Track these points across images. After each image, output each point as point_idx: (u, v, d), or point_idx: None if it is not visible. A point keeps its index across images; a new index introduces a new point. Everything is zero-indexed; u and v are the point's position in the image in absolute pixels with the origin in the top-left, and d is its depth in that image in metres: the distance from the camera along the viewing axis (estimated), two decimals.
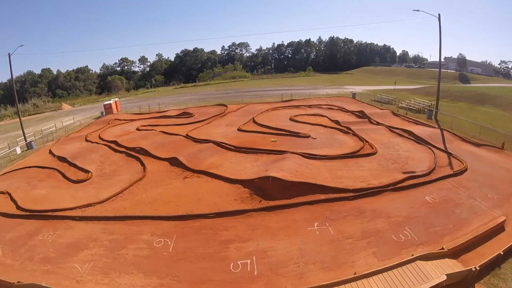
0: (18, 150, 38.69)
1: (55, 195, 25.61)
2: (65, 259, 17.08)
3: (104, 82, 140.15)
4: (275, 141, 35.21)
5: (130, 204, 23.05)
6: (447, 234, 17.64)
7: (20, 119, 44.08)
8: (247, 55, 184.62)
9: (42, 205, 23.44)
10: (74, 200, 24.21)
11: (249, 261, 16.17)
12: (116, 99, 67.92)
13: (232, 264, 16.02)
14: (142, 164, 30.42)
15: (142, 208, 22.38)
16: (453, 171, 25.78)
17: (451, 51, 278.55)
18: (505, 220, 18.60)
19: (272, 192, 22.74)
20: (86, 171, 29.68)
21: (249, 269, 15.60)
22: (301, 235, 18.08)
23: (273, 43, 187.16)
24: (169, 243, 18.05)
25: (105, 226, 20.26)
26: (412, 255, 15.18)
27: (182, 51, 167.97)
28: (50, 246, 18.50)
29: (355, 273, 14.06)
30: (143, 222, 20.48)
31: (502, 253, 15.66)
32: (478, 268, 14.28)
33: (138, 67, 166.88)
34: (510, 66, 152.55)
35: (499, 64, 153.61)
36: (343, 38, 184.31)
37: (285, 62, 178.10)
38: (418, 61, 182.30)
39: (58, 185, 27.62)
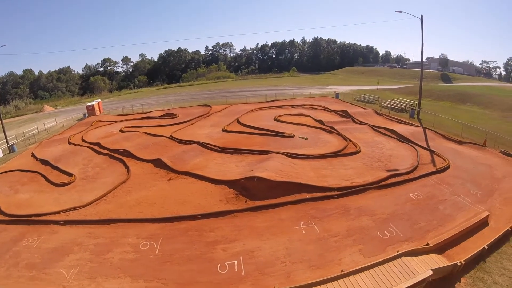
0: (0, 154, 37.77)
1: (38, 199, 25.02)
2: (50, 265, 16.67)
3: (87, 83, 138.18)
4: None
5: (115, 207, 22.67)
6: (432, 230, 17.90)
7: (1, 122, 42.91)
8: (231, 55, 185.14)
9: (25, 210, 22.87)
10: (58, 204, 23.66)
11: (236, 261, 16.06)
12: (99, 100, 66.85)
13: (219, 265, 15.89)
14: (126, 166, 30.01)
15: (127, 211, 22.03)
16: (436, 168, 26.18)
17: (433, 51, 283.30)
18: (488, 215, 19.02)
19: (258, 192, 22.68)
20: (69, 174, 29.11)
21: (236, 270, 15.49)
22: (287, 234, 18.06)
23: (257, 44, 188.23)
24: (155, 246, 17.79)
25: (90, 230, 19.85)
26: (398, 251, 15.33)
27: (165, 51, 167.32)
28: (35, 251, 18.02)
29: (342, 271, 14.12)
30: (128, 225, 20.15)
31: (486, 247, 15.99)
32: (463, 263, 14.53)
33: (121, 67, 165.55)
34: (491, 66, 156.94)
35: (480, 64, 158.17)
36: (327, 38, 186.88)
37: (269, 63, 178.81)
38: (400, 61, 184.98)
39: (41, 189, 27.00)
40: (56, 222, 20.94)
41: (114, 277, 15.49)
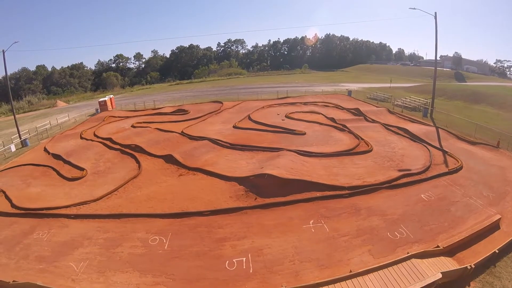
0: (13, 148, 38.29)
1: (49, 193, 25.35)
2: (60, 258, 16.89)
3: (99, 79, 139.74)
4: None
5: (125, 202, 22.88)
6: (442, 232, 17.67)
7: (14, 117, 43.49)
8: (243, 52, 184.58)
9: (37, 203, 23.17)
10: (69, 198, 23.95)
11: (244, 259, 16.08)
12: (111, 96, 67.31)
13: (227, 262, 15.93)
14: (137, 161, 30.22)
15: (137, 206, 22.21)
16: (448, 169, 25.83)
17: (447, 50, 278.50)
18: (500, 218, 18.67)
19: (268, 190, 22.67)
20: (81, 169, 29.43)
21: (244, 267, 15.52)
22: (296, 233, 18.03)
23: (269, 40, 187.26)
24: (164, 241, 17.92)
25: (100, 224, 20.06)
26: (408, 253, 15.17)
27: (177, 48, 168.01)
28: (45, 244, 18.28)
29: (350, 271, 14.04)
30: (138, 220, 20.32)
31: (497, 251, 15.69)
32: (473, 266, 14.31)
33: (133, 63, 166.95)
34: (505, 65, 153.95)
35: (494, 63, 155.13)
36: (339, 35, 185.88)
37: (281, 59, 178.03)
38: (414, 59, 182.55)
39: (53, 183, 27.35)
40: (67, 216, 21.20)
41: (122, 271, 15.64)
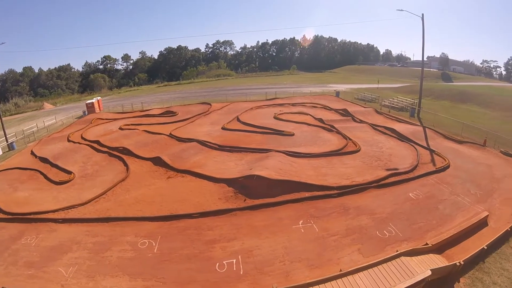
0: None
1: (37, 197, 24.93)
2: (49, 263, 16.62)
3: (87, 81, 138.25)
4: None
5: (114, 205, 22.59)
6: (431, 229, 17.86)
7: (1, 119, 42.75)
8: (232, 53, 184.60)
9: (24, 208, 22.74)
10: (57, 202, 23.58)
11: (234, 260, 16.02)
12: (99, 98, 66.57)
13: (217, 264, 15.84)
14: (125, 164, 29.92)
15: (126, 209, 21.95)
16: (436, 168, 26.14)
17: (433, 50, 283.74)
18: (488, 215, 19.00)
19: (257, 191, 22.62)
20: (69, 172, 29.04)
21: (235, 269, 15.45)
22: (286, 233, 18.02)
23: (258, 41, 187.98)
24: (154, 244, 17.75)
25: (89, 228, 19.79)
26: (397, 251, 15.27)
27: (165, 49, 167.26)
28: (33, 249, 17.96)
29: (340, 270, 14.05)
30: (127, 223, 20.07)
31: (485, 247, 15.97)
32: (462, 263, 14.48)
33: (121, 65, 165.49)
34: (492, 66, 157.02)
35: (481, 64, 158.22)
36: (327, 37, 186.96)
37: (270, 61, 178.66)
38: (401, 60, 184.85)
39: (40, 186, 26.92)
40: (55, 220, 20.85)
41: (112, 275, 15.43)
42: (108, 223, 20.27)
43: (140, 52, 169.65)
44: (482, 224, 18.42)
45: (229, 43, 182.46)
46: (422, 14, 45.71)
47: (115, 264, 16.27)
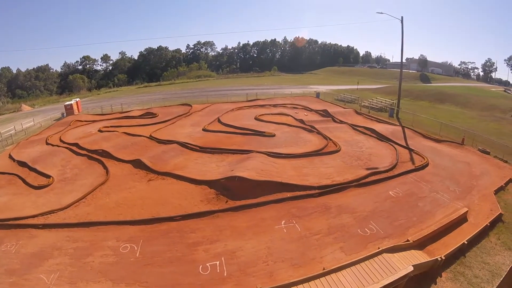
0: None
1: (16, 202, 24.12)
2: (30, 270, 16.11)
3: (65, 82, 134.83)
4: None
5: (94, 210, 22.10)
6: (412, 226, 18.21)
7: None
8: (213, 54, 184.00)
9: (3, 214, 21.94)
10: (36, 207, 22.88)
11: (218, 262, 15.91)
12: (78, 99, 65.26)
13: (201, 266, 15.69)
14: (105, 167, 29.33)
15: (106, 213, 21.50)
16: (415, 166, 26.63)
17: (412, 52, 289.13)
18: (467, 211, 19.51)
19: (239, 192, 22.54)
20: (47, 176, 28.27)
21: (218, 271, 15.35)
22: (269, 234, 18.02)
23: (239, 43, 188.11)
24: (136, 248, 17.44)
25: (69, 234, 19.29)
26: (379, 248, 15.45)
27: (146, 49, 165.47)
28: (14, 257, 17.37)
29: (323, 269, 14.16)
30: (108, 228, 19.65)
31: (466, 242, 16.41)
32: (443, 258, 14.80)
33: (100, 65, 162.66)
34: (469, 67, 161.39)
35: (459, 65, 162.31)
36: (308, 38, 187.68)
37: (251, 62, 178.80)
38: (380, 61, 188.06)
39: (19, 191, 26.10)
40: (35, 226, 20.24)
41: (94, 281, 15.10)
42: (89, 228, 19.79)
43: (120, 53, 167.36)
44: (462, 220, 18.90)
45: (210, 44, 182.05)
46: (402, 17, 46.76)
47: (97, 270, 15.91)
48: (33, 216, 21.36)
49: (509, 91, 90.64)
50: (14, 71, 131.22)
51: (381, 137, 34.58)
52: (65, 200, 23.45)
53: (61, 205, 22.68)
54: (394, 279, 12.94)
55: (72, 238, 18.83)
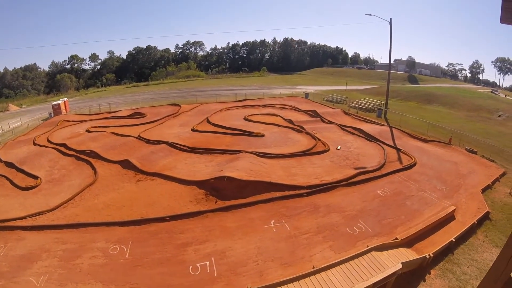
0: None
1: (4, 204, 23.68)
2: (19, 273, 15.84)
3: (53, 81, 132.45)
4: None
5: (82, 211, 21.83)
6: (400, 225, 18.41)
7: None
8: (202, 54, 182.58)
9: None
10: (24, 208, 22.48)
11: (208, 262, 15.88)
12: (65, 99, 64.54)
13: (191, 267, 15.65)
14: (93, 167, 29.02)
15: (95, 214, 21.27)
16: (403, 166, 26.90)
17: (401, 54, 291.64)
18: (455, 209, 19.82)
19: (228, 192, 22.55)
20: (35, 177, 27.86)
21: (208, 271, 15.32)
22: (259, 233, 18.05)
23: (228, 43, 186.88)
24: (125, 250, 17.30)
25: (58, 235, 19.03)
26: (367, 246, 15.57)
27: (134, 49, 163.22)
28: (2, 259, 17.05)
29: (313, 267, 14.22)
30: (97, 229, 19.44)
31: (454, 240, 16.72)
32: (432, 255, 15.04)
33: (88, 65, 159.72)
34: (457, 68, 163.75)
35: (447, 66, 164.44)
36: (297, 39, 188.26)
37: (240, 62, 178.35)
38: (369, 63, 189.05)
39: (6, 193, 25.65)
40: (23, 228, 19.92)
41: (84, 283, 14.94)
42: (77, 229, 19.56)
43: (108, 52, 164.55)
44: (449, 218, 19.20)
45: (199, 44, 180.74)
46: (390, 19, 47.14)
47: (86, 272, 15.74)
48: (21, 218, 21.02)
49: (495, 92, 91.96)
50: (1, 70, 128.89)
51: (369, 137, 34.87)
52: (53, 202, 23.13)
53: (49, 207, 22.36)
54: (383, 277, 13.09)
55: (61, 239, 18.59)
